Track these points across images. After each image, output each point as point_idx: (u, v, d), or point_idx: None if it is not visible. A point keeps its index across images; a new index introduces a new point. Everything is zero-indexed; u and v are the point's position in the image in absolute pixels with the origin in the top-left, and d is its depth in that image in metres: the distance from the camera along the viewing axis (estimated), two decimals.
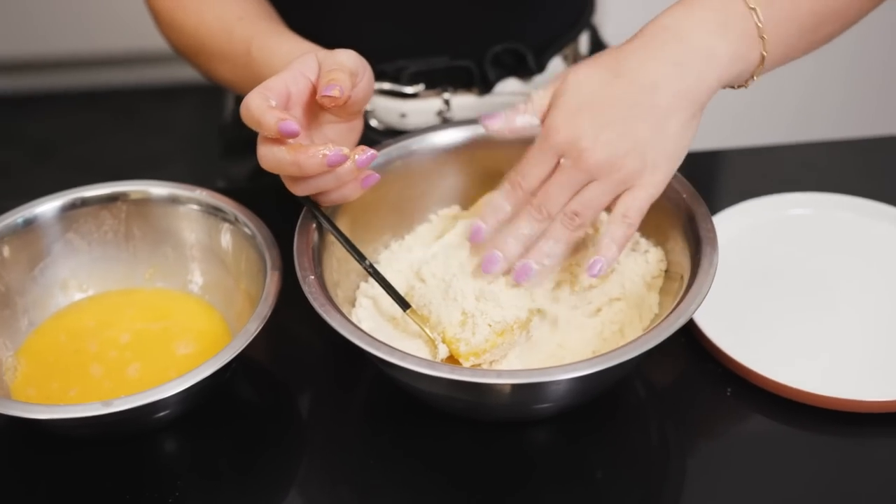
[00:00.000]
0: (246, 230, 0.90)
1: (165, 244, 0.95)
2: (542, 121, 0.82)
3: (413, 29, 1.10)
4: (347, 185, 0.82)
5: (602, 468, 0.83)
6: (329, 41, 0.93)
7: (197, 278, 0.96)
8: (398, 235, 0.97)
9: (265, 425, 0.88)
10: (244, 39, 0.94)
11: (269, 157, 0.79)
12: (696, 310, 0.78)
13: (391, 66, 1.10)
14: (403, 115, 1.12)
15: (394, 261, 0.95)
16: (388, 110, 1.12)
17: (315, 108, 0.85)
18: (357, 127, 0.90)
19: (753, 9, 0.79)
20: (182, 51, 1.05)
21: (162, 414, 0.83)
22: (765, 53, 0.80)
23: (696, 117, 0.80)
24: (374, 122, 1.13)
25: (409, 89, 1.11)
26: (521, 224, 0.82)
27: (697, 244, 0.84)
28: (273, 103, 0.79)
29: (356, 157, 0.80)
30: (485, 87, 1.12)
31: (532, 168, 0.81)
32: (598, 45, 1.24)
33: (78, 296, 0.95)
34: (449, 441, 0.85)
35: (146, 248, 0.96)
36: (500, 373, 0.77)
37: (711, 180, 1.13)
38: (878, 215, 1.03)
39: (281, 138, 0.78)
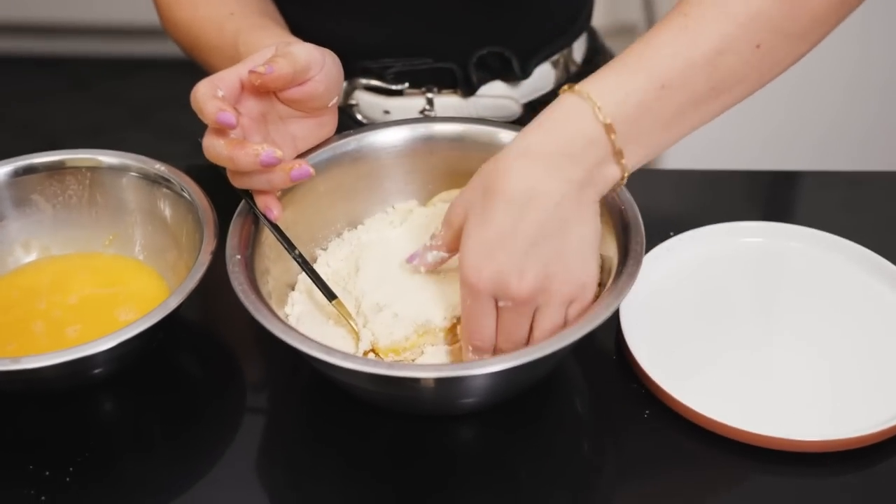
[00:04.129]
0: (191, 204, 0.93)
1: (126, 213, 0.98)
2: (452, 251, 0.84)
3: (397, 29, 1.11)
4: (277, 175, 0.84)
5: (525, 468, 0.83)
6: (316, 37, 0.95)
7: (149, 248, 0.99)
8: (352, 225, 0.98)
9: (202, 397, 0.91)
10: (233, 34, 0.96)
11: (210, 148, 0.82)
12: (601, 322, 0.78)
13: (376, 64, 1.12)
14: (387, 112, 1.13)
15: (340, 249, 0.96)
16: (372, 106, 1.14)
17: (273, 101, 0.87)
18: (328, 123, 0.92)
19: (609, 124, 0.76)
20: (181, 45, 1.08)
21: (95, 372, 0.86)
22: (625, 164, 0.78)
23: (597, 209, 0.79)
24: (360, 117, 1.15)
25: (393, 86, 1.12)
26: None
27: (625, 257, 0.84)
28: (220, 94, 0.81)
29: (291, 170, 0.83)
30: (468, 89, 1.12)
31: (480, 324, 0.80)
32: (595, 51, 1.22)
33: (39, 256, 0.99)
34: (377, 433, 0.86)
35: (108, 215, 0.99)
36: (391, 365, 0.78)
37: (673, 200, 1.12)
38: (829, 247, 1.00)
39: (220, 128, 0.81)
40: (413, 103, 1.13)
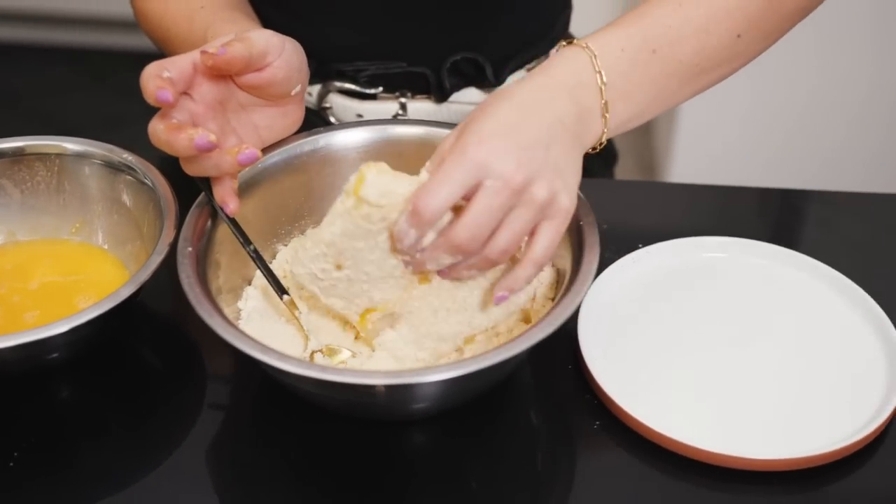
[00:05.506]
0: (152, 192, 0.93)
1: (92, 201, 0.99)
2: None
3: (371, 33, 1.10)
4: (224, 159, 0.83)
5: (477, 475, 0.83)
6: (292, 36, 0.95)
7: (113, 237, 0.99)
8: (316, 223, 0.97)
9: (159, 389, 0.91)
10: (202, 27, 0.96)
11: (153, 132, 0.82)
12: (542, 337, 0.76)
13: (349, 67, 1.12)
14: (360, 116, 1.13)
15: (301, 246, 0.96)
16: (345, 109, 1.14)
17: (231, 88, 0.87)
18: (292, 113, 0.92)
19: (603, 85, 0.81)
20: (152, 38, 1.09)
21: (50, 358, 0.86)
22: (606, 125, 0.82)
23: (582, 152, 0.82)
24: (333, 119, 1.14)
25: (367, 90, 1.12)
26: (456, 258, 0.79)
27: (575, 274, 0.83)
28: (167, 75, 0.81)
29: (238, 154, 0.83)
30: (441, 94, 1.12)
31: (441, 189, 0.74)
32: None
33: (4, 241, 0.99)
34: (330, 436, 0.86)
35: (75, 202, 0.99)
36: (323, 369, 0.76)
37: (642, 213, 1.12)
38: (791, 263, 1.00)
39: (164, 111, 0.81)
40: (386, 107, 1.13)
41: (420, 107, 1.13)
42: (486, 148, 0.74)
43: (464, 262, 0.79)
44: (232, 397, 0.90)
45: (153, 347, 0.95)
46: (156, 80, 0.80)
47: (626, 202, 1.10)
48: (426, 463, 0.84)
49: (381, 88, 1.13)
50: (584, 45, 0.81)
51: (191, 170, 0.84)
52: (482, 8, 1.08)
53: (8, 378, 0.89)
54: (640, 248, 1.00)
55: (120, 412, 0.89)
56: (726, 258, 1.01)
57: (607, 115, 0.81)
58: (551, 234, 0.77)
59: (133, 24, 1.14)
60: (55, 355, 0.87)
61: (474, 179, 0.74)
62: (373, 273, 0.83)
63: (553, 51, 0.84)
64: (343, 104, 1.13)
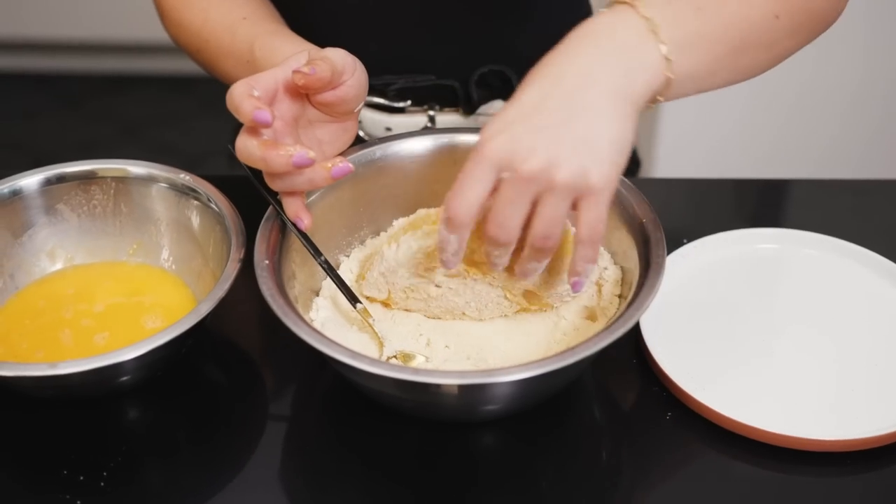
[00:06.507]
0: (218, 214, 0.94)
1: (149, 222, 1.00)
2: None
3: (399, 47, 1.12)
4: (319, 174, 0.85)
5: (547, 475, 0.84)
6: None
7: (174, 257, 1.00)
8: (375, 233, 1.00)
9: (226, 405, 0.92)
10: (247, 39, 0.97)
11: (243, 149, 0.83)
12: (624, 332, 0.78)
13: (378, 81, 1.13)
14: (389, 129, 1.15)
15: (362, 255, 0.98)
16: (375, 123, 1.15)
17: (305, 105, 0.88)
18: (351, 129, 0.93)
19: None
20: (186, 48, 1.09)
21: (123, 379, 0.87)
22: (670, 76, 0.78)
23: (632, 116, 0.76)
24: (362, 133, 1.16)
25: (396, 104, 1.14)
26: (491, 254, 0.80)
27: (646, 269, 0.85)
28: (256, 94, 0.82)
29: (332, 168, 0.84)
30: (469, 107, 1.14)
31: (468, 189, 0.75)
32: None
33: (64, 265, 1.00)
34: (399, 439, 0.87)
35: (132, 224, 1.00)
36: (416, 371, 0.78)
37: (684, 209, 1.15)
38: (838, 250, 1.03)
39: (255, 126, 0.82)
40: (415, 120, 1.15)
41: (448, 119, 1.15)
42: (499, 140, 0.74)
43: (523, 255, 0.79)
44: (295, 408, 0.92)
45: (214, 363, 0.96)
46: (250, 100, 0.81)
47: (661, 199, 1.13)
48: (496, 463, 0.86)
49: (409, 102, 1.14)
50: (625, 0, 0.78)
51: (279, 185, 0.85)
52: (508, 21, 1.10)
53: (78, 401, 0.90)
54: (685, 243, 1.03)
55: (190, 429, 0.90)
56: (776, 248, 1.04)
57: (663, 53, 0.77)
58: (591, 212, 0.75)
59: (102, 48, 1.14)
60: (128, 377, 0.88)
61: (494, 174, 0.74)
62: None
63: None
64: (372, 118, 1.15)
